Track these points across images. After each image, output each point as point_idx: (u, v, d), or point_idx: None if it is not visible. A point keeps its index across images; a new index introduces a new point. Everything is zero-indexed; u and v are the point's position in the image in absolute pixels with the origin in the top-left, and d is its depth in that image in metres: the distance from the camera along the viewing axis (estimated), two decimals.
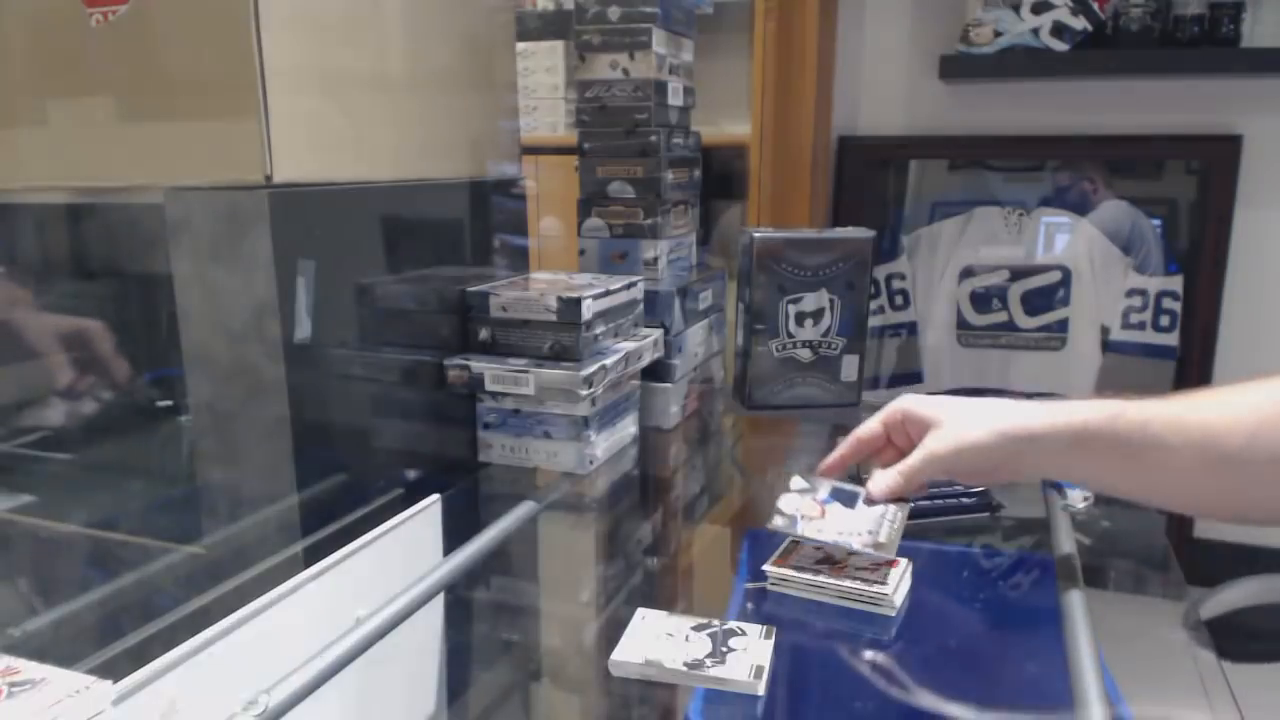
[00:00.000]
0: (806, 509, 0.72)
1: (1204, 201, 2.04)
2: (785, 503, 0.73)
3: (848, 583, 0.68)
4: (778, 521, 0.70)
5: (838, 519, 0.71)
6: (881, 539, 0.69)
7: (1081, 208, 2.13)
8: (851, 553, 0.70)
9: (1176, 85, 2.03)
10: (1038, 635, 0.66)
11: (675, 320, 1.09)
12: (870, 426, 0.75)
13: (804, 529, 0.70)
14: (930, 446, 0.68)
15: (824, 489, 0.74)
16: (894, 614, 0.67)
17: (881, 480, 0.71)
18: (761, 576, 0.70)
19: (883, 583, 0.68)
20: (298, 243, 0.74)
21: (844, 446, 0.76)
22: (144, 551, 0.77)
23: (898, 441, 0.74)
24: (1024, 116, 2.13)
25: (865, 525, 0.70)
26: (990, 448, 0.65)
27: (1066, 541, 0.77)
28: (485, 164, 1.04)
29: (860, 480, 0.76)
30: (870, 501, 0.72)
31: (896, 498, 0.71)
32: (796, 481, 0.75)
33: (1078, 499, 0.85)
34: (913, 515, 0.83)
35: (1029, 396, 2.15)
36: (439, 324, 0.95)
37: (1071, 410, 0.64)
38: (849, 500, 0.73)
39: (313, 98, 0.76)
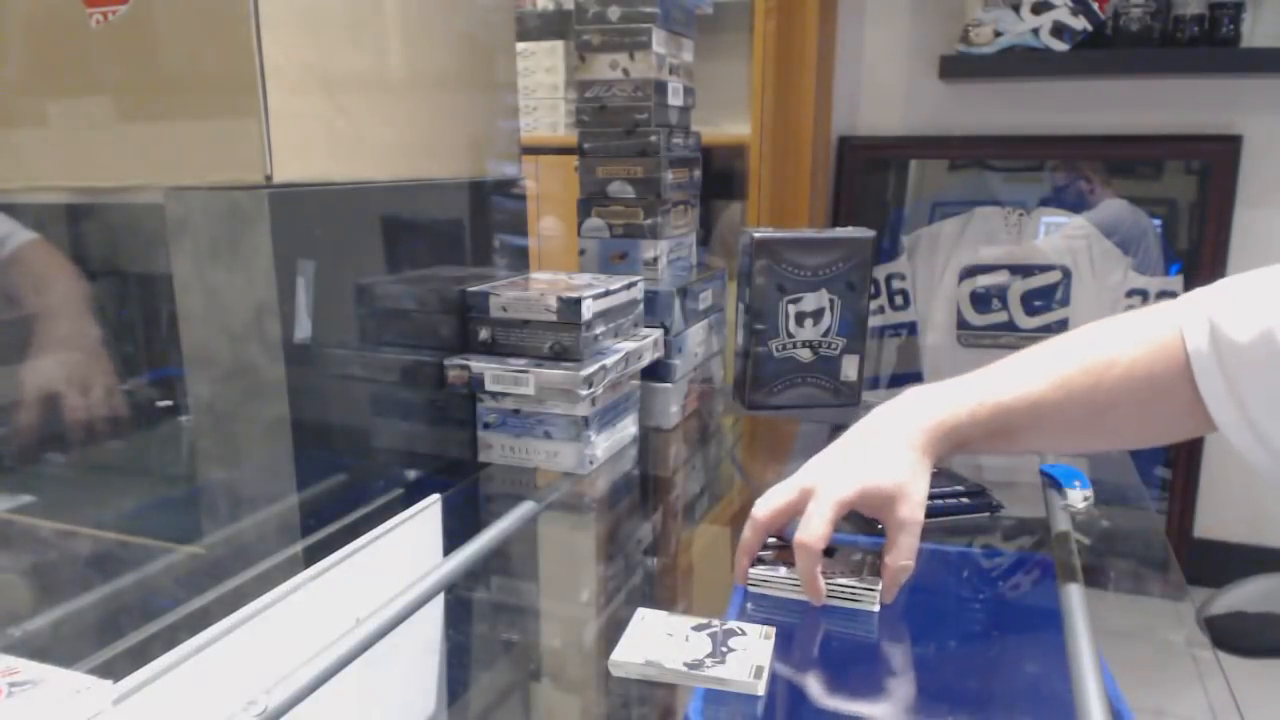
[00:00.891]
0: (788, 556, 0.72)
1: (1204, 201, 2.04)
2: (766, 552, 0.73)
3: (834, 580, 0.68)
4: (759, 569, 0.71)
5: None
6: (865, 575, 0.69)
7: (1081, 208, 2.13)
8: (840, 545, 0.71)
9: (1176, 85, 2.03)
10: (1038, 635, 0.67)
11: (675, 320, 1.09)
12: (761, 530, 0.69)
13: (787, 572, 0.70)
14: (911, 518, 0.66)
15: None
16: (876, 609, 0.67)
17: (893, 582, 0.67)
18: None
19: (874, 575, 0.68)
20: (297, 243, 0.74)
21: (742, 558, 0.70)
22: (144, 551, 0.77)
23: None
24: (1024, 116, 2.13)
25: (848, 566, 0.71)
26: (928, 470, 0.69)
27: (1066, 541, 0.77)
28: (485, 164, 1.04)
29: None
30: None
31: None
32: (773, 540, 0.75)
33: (1078, 499, 0.85)
34: None
35: None
36: (439, 324, 0.95)
37: (938, 413, 0.69)
38: (828, 552, 0.73)
39: (313, 98, 0.76)
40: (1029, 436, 0.69)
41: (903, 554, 0.66)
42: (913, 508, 0.66)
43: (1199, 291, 0.68)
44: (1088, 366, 0.67)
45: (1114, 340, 0.67)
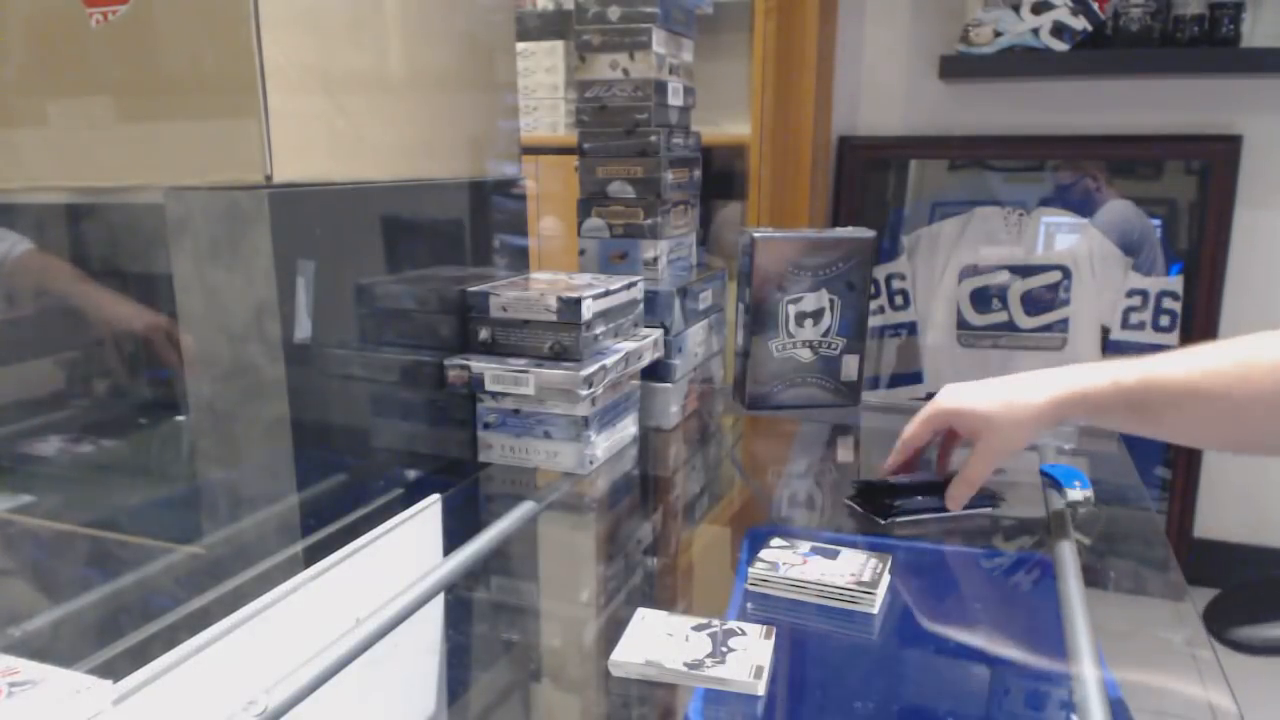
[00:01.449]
0: (788, 558, 0.72)
1: (1204, 201, 2.04)
2: (767, 553, 0.73)
3: (833, 583, 0.68)
4: (759, 568, 0.71)
5: (820, 566, 0.71)
6: (865, 578, 0.69)
7: (1082, 207, 2.13)
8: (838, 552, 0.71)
9: (1176, 85, 2.03)
10: (1037, 635, 0.67)
11: (675, 320, 1.09)
12: (917, 432, 0.84)
13: (786, 573, 0.70)
14: (991, 447, 0.79)
15: (804, 546, 0.75)
16: (875, 610, 0.67)
17: (956, 493, 0.83)
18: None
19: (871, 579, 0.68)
20: (298, 243, 0.74)
21: (898, 453, 0.87)
22: (144, 551, 0.77)
23: (946, 434, 0.87)
24: (1024, 116, 2.13)
25: (849, 569, 0.71)
26: (1038, 425, 0.76)
27: (1066, 541, 0.77)
28: (485, 164, 1.04)
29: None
30: (947, 509, 0.83)
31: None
32: (777, 540, 0.76)
33: (1078, 499, 0.85)
34: (904, 511, 0.84)
35: None
36: (439, 324, 0.95)
37: (1085, 378, 0.74)
38: (830, 555, 0.73)
39: (313, 98, 0.76)
40: (1169, 418, 0.72)
41: (967, 477, 0.81)
42: (993, 441, 0.78)
43: None
44: (1239, 360, 0.69)
45: (1271, 343, 0.69)
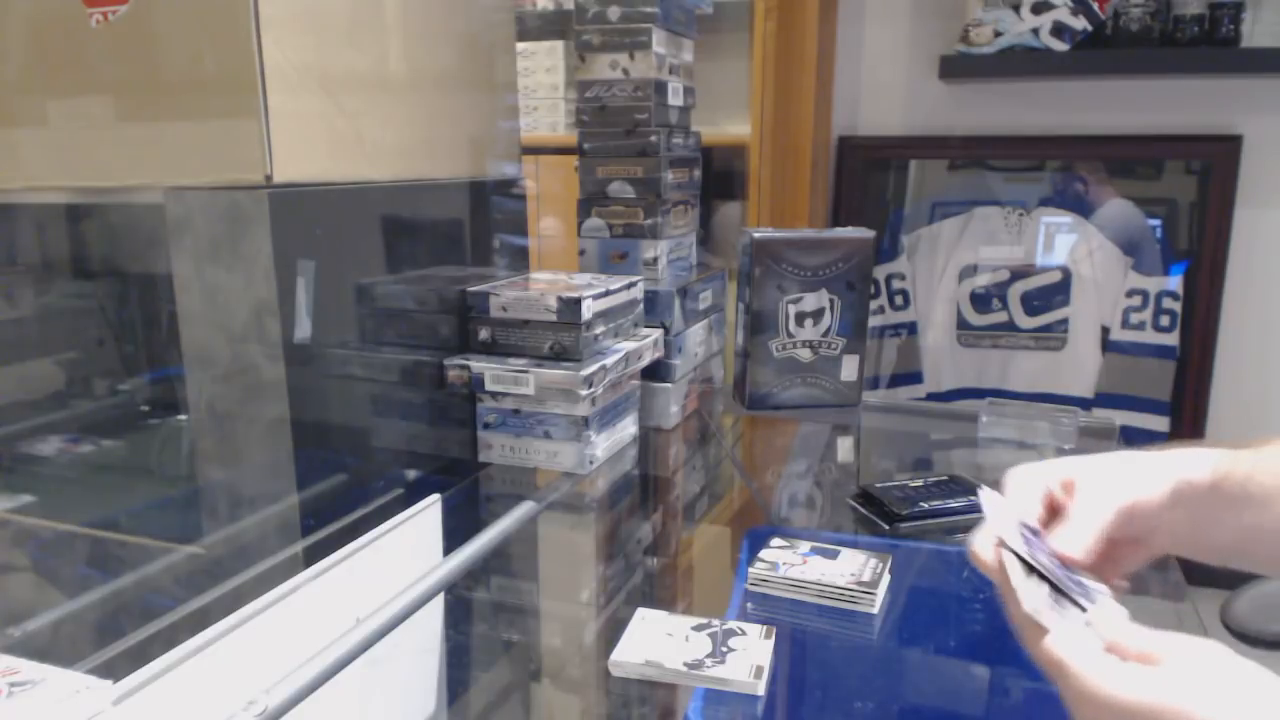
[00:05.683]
0: (788, 558, 0.72)
1: (1204, 201, 2.04)
2: (767, 553, 0.73)
3: (833, 583, 0.68)
4: (759, 568, 0.71)
5: (819, 566, 0.71)
6: (865, 578, 0.69)
7: (1081, 207, 2.13)
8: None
9: (1176, 85, 2.03)
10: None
11: (675, 320, 1.09)
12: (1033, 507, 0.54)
13: (786, 573, 0.70)
14: (1092, 505, 0.52)
15: (804, 546, 0.75)
16: (875, 610, 0.67)
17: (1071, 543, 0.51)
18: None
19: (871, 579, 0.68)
20: (298, 243, 0.74)
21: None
22: (144, 551, 0.77)
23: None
24: (1024, 116, 2.13)
25: (849, 569, 0.71)
26: (1163, 507, 0.52)
27: None
28: (485, 164, 1.04)
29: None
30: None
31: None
32: (777, 540, 0.76)
33: None
34: (911, 517, 0.83)
35: (1028, 397, 2.15)
36: (439, 324, 0.94)
37: (1176, 471, 0.52)
38: (830, 555, 0.73)
39: (313, 98, 0.76)
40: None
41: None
42: (1102, 494, 0.51)
43: None
44: None
45: None
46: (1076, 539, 0.50)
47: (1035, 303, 2.15)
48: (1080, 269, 2.11)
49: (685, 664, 0.59)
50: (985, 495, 0.51)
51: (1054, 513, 0.53)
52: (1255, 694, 0.40)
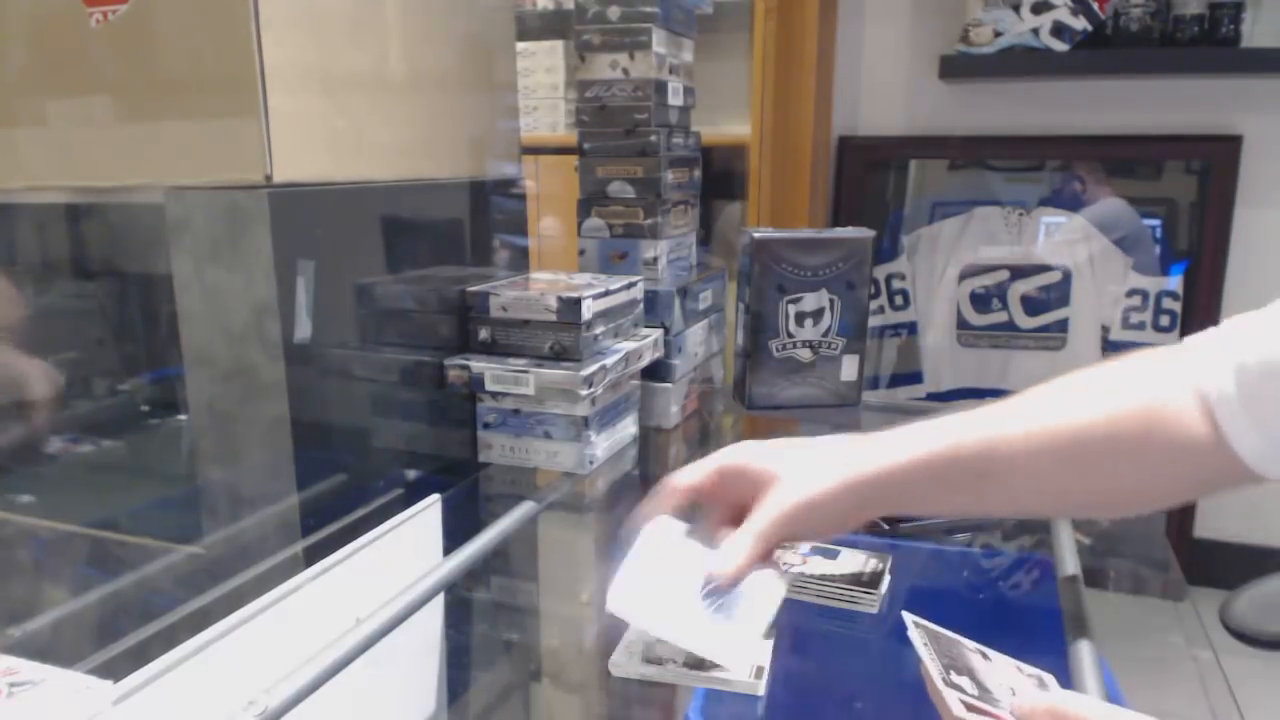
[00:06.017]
0: (788, 558, 0.72)
1: (1204, 201, 2.04)
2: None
3: (833, 583, 0.68)
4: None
5: (819, 566, 0.72)
6: (865, 578, 0.69)
7: (1081, 207, 2.13)
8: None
9: (1176, 85, 2.03)
10: (1038, 635, 0.66)
11: (675, 320, 1.09)
12: (698, 476, 0.62)
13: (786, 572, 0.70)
14: (775, 505, 0.58)
15: (804, 545, 0.75)
16: (875, 610, 0.67)
17: (728, 556, 0.57)
18: None
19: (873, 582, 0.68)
20: (298, 243, 0.74)
21: (662, 495, 0.63)
22: (144, 551, 0.77)
23: (727, 496, 0.62)
24: (1024, 116, 2.13)
25: (849, 569, 0.71)
26: (837, 499, 0.57)
27: (1066, 542, 0.77)
28: (485, 164, 1.04)
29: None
30: (713, 580, 0.58)
31: (742, 572, 0.57)
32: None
33: None
34: (911, 517, 0.83)
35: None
36: (439, 324, 0.95)
37: (909, 443, 0.58)
38: (830, 555, 0.73)
39: (313, 98, 0.76)
40: (1000, 483, 0.57)
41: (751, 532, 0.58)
42: (782, 496, 0.58)
43: (1189, 340, 0.57)
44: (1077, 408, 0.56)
45: (1107, 385, 0.57)
46: (798, 502, 0.57)
47: (1035, 303, 2.15)
48: (1080, 269, 2.12)
49: (685, 664, 0.59)
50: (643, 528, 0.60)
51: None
52: None
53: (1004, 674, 0.50)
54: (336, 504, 0.80)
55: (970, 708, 0.45)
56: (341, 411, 0.83)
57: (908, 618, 0.51)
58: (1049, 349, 2.16)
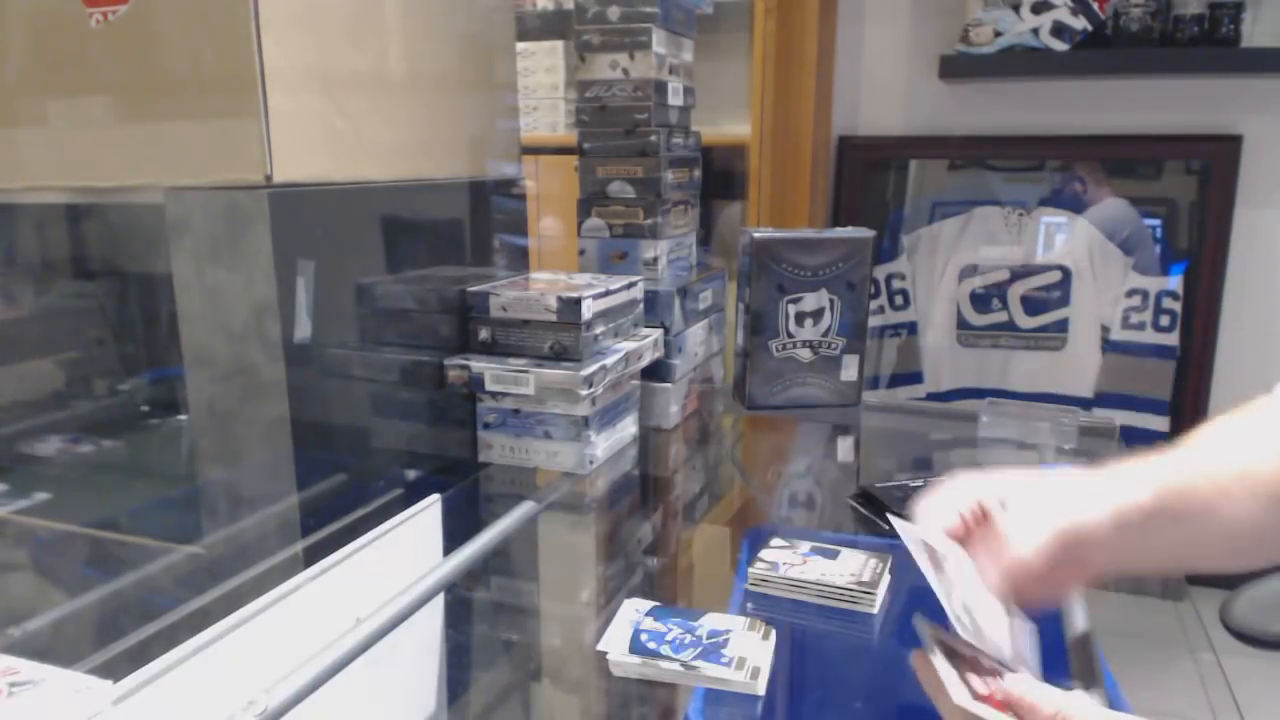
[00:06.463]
0: (788, 558, 0.72)
1: (1204, 201, 2.04)
2: (767, 553, 0.73)
3: (833, 583, 0.68)
4: (759, 568, 0.71)
5: (819, 566, 0.71)
6: (865, 578, 0.69)
7: (1080, 207, 2.13)
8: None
9: (1176, 85, 2.03)
10: (1038, 635, 0.66)
11: (675, 320, 1.09)
12: (953, 522, 0.54)
13: (786, 573, 0.70)
14: (1031, 528, 0.51)
15: (804, 546, 0.75)
16: (875, 610, 0.67)
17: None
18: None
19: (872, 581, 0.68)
20: (298, 243, 0.74)
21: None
22: (144, 551, 0.77)
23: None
24: (1024, 116, 2.13)
25: (849, 569, 0.71)
26: (1105, 530, 0.51)
27: None
28: (485, 164, 1.04)
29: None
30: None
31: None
32: (777, 540, 0.76)
33: None
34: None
35: (1028, 397, 2.15)
36: (439, 324, 0.94)
37: (1117, 493, 0.52)
38: (830, 555, 0.73)
39: (313, 98, 0.76)
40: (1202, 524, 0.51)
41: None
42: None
43: None
44: None
45: None
46: (1016, 561, 0.49)
47: (1035, 303, 2.15)
48: (1080, 269, 2.11)
49: (685, 664, 0.59)
50: (898, 525, 0.52)
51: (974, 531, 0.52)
52: None
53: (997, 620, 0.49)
54: (336, 504, 0.80)
55: (975, 696, 0.44)
56: (341, 411, 0.83)
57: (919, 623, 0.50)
58: (1049, 349, 2.16)
